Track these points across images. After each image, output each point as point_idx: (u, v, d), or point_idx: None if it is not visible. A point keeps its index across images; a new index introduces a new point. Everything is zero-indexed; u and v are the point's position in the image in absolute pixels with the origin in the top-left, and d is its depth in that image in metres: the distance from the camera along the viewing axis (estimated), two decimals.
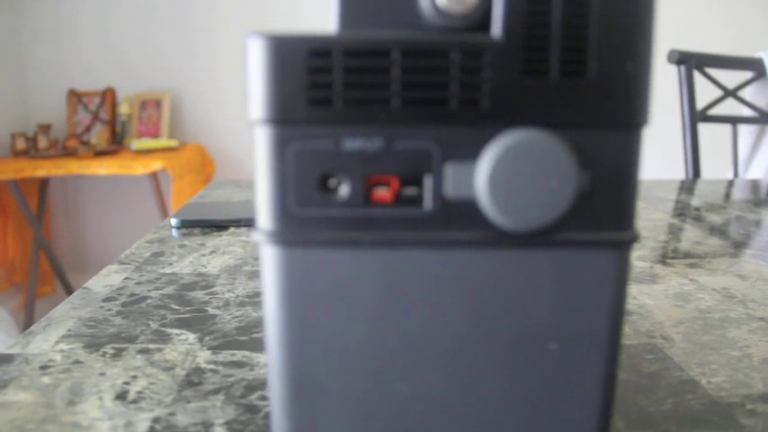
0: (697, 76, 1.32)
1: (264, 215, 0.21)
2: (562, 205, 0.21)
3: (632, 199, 0.22)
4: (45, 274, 2.79)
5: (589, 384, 0.23)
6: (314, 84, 0.20)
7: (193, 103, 2.83)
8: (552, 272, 0.22)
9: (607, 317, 0.23)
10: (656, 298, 0.50)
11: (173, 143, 2.55)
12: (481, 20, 0.20)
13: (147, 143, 2.50)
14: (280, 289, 0.22)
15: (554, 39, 0.20)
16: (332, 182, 0.21)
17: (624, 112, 0.21)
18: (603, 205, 0.21)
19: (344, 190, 0.21)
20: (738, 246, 0.66)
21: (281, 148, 0.21)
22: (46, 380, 0.37)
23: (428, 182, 0.21)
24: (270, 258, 0.22)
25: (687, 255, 0.62)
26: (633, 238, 0.22)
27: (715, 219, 0.79)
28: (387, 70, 0.20)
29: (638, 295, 0.50)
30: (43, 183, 2.71)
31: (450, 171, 0.21)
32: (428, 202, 0.21)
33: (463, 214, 0.21)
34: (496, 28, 0.20)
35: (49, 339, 0.42)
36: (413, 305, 0.22)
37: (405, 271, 0.22)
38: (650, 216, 0.80)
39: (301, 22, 2.73)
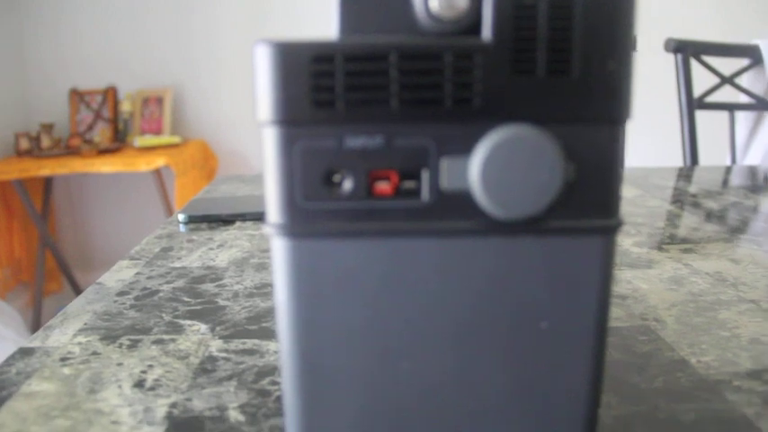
0: (695, 64, 1.33)
1: (273, 209, 0.23)
2: (550, 195, 0.22)
3: (616, 188, 0.23)
4: (51, 272, 2.82)
5: (580, 360, 0.25)
6: (317, 87, 0.22)
7: (195, 98, 2.84)
8: (543, 257, 0.23)
9: (595, 297, 0.24)
10: (651, 282, 0.51)
11: (175, 139, 2.57)
12: (472, 24, 0.22)
13: (151, 140, 2.52)
14: (289, 278, 0.24)
15: (540, 40, 0.22)
16: (336, 177, 0.23)
17: (607, 108, 0.22)
18: (589, 194, 0.23)
19: (348, 184, 0.23)
20: (733, 231, 0.67)
21: (288, 147, 0.22)
22: (66, 371, 0.38)
23: (425, 176, 0.23)
24: (279, 249, 0.23)
25: (683, 240, 0.64)
26: (618, 225, 0.23)
27: (711, 205, 0.80)
28: (385, 73, 0.22)
29: (633, 280, 0.52)
30: (47, 181, 2.73)
31: (446, 165, 0.23)
32: (426, 194, 0.23)
33: (458, 205, 0.23)
34: (486, 31, 0.22)
35: (67, 333, 0.44)
36: (413, 290, 0.24)
37: (405, 258, 0.23)
38: (647, 203, 0.81)
39: (300, 14, 2.74)
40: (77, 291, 2.87)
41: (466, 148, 0.22)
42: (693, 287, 0.50)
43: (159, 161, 2.35)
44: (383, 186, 0.23)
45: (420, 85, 0.22)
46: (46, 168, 2.34)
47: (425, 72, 0.22)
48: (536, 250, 0.23)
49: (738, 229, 0.68)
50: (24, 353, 0.41)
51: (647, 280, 0.52)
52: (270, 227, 0.23)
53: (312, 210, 0.23)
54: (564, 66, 0.22)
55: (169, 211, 2.59)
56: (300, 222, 0.23)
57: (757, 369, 0.37)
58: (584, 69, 0.22)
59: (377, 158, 0.22)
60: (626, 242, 0.63)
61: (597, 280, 0.24)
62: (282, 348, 0.25)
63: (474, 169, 0.22)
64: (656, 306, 0.46)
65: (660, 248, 0.61)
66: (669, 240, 0.64)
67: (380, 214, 0.23)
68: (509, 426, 0.25)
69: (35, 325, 2.59)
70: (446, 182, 0.23)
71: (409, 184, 0.23)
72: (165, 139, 2.56)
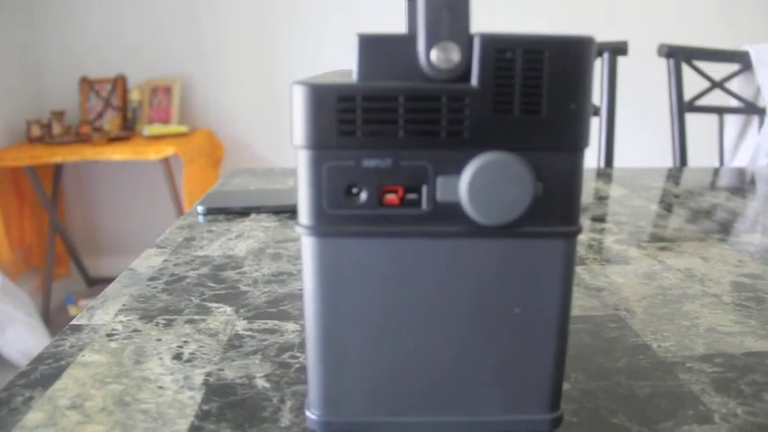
0: (687, 68, 1.39)
1: (304, 214, 0.29)
2: (523, 207, 0.28)
3: (576, 202, 0.29)
4: (60, 257, 2.88)
5: (546, 339, 0.31)
6: (341, 120, 0.28)
7: (202, 88, 2.90)
8: (517, 255, 0.30)
9: (559, 287, 0.30)
10: (626, 277, 0.57)
11: (183, 129, 2.63)
12: (463, 73, 0.28)
13: (159, 129, 2.58)
14: (315, 268, 0.30)
15: (517, 87, 0.28)
16: (354, 190, 0.29)
17: (569, 140, 0.28)
18: (554, 206, 0.29)
19: (364, 196, 0.29)
20: (708, 231, 0.73)
21: (318, 166, 0.28)
22: (113, 345, 0.45)
23: (425, 190, 0.29)
24: (308, 246, 0.29)
25: (660, 239, 0.70)
26: (577, 230, 0.30)
27: (693, 206, 0.86)
28: (395, 110, 0.28)
29: (611, 274, 0.58)
30: (58, 168, 2.79)
31: (441, 182, 0.28)
32: (425, 204, 0.29)
33: (451, 213, 0.29)
34: (474, 79, 0.28)
35: (109, 312, 0.50)
36: (415, 280, 0.30)
37: (408, 255, 0.29)
38: (633, 203, 0.87)
39: (304, 4, 2.79)
40: (85, 275, 2.94)
41: (457, 169, 0.28)
42: (664, 282, 0.56)
43: (168, 150, 2.41)
44: (391, 197, 0.29)
45: (422, 120, 0.28)
46: (57, 155, 2.40)
47: (426, 110, 0.28)
48: (511, 250, 0.29)
49: (714, 230, 0.74)
50: (74, 329, 0.47)
51: (624, 274, 0.58)
52: (301, 227, 0.29)
53: (335, 215, 0.29)
54: (535, 107, 0.28)
55: (177, 198, 2.64)
56: (325, 225, 0.29)
57: (709, 354, 0.43)
58: (551, 109, 0.28)
59: (387, 176, 0.28)
60: (608, 239, 0.69)
61: (560, 274, 0.30)
62: (308, 325, 0.31)
63: (463, 186, 0.28)
64: (629, 298, 0.52)
65: (639, 246, 0.67)
66: (648, 239, 0.70)
67: (389, 219, 0.29)
68: (490, 391, 0.31)
69: (44, 307, 2.66)
70: (441, 195, 0.29)
71: (412, 197, 0.29)
72: (173, 128, 2.61)
